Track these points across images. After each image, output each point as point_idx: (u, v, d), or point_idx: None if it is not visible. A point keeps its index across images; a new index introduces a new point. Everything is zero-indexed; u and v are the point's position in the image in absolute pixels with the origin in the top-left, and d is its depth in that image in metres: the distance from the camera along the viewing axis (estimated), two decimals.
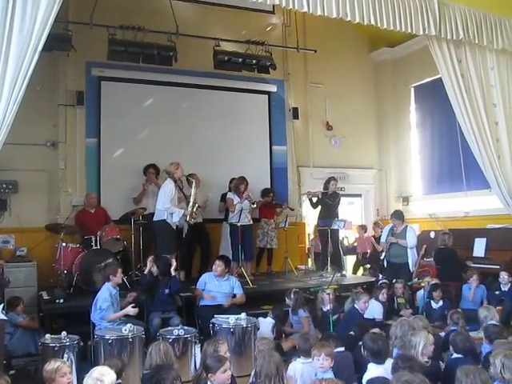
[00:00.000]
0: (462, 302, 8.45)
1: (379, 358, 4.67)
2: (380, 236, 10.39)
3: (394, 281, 8.56)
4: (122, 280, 7.24)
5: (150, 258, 7.55)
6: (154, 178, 10.05)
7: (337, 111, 12.73)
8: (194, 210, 8.91)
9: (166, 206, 8.58)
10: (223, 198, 10.51)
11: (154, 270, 7.44)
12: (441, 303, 7.99)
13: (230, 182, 10.51)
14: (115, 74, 10.47)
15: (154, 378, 4.41)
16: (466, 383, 3.96)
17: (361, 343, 5.87)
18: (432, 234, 10.46)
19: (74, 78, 10.21)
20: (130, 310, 6.73)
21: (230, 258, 9.80)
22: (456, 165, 11.19)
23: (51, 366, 4.44)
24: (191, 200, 8.89)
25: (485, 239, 9.61)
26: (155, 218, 8.83)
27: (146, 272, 7.51)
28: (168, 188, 8.67)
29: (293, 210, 11.33)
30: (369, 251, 11.58)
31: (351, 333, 6.31)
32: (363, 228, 12.14)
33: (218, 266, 7.72)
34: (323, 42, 12.01)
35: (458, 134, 9.89)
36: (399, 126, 13.20)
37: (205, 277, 7.81)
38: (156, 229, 8.91)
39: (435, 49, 8.11)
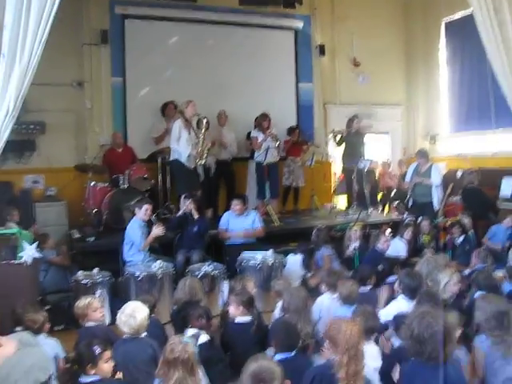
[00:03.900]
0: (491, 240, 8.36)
1: (413, 294, 4.74)
2: (405, 174, 10.34)
3: (419, 219, 8.59)
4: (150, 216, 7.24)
5: (189, 201, 7.52)
6: (173, 113, 9.96)
7: (364, 47, 12.36)
8: (205, 149, 8.63)
9: (172, 145, 8.54)
10: (249, 136, 10.49)
11: (192, 209, 7.50)
12: (461, 238, 8.07)
13: (255, 120, 10.43)
14: (139, 12, 10.35)
15: (181, 314, 4.54)
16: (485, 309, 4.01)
17: (390, 279, 5.97)
18: (459, 173, 10.37)
19: (97, 17, 10.10)
20: (157, 230, 6.89)
21: (256, 195, 9.93)
22: (485, 103, 10.88)
23: (82, 302, 4.56)
24: (200, 140, 8.61)
25: None
26: (170, 158, 8.80)
27: (180, 213, 7.58)
28: (174, 127, 8.53)
29: (318, 147, 11.29)
30: (393, 187, 11.61)
31: (379, 267, 6.41)
32: (388, 164, 12.15)
33: (235, 205, 7.80)
34: None
35: (489, 71, 9.63)
36: (429, 63, 12.82)
37: (226, 216, 7.90)
38: (171, 168, 9.01)
39: None
